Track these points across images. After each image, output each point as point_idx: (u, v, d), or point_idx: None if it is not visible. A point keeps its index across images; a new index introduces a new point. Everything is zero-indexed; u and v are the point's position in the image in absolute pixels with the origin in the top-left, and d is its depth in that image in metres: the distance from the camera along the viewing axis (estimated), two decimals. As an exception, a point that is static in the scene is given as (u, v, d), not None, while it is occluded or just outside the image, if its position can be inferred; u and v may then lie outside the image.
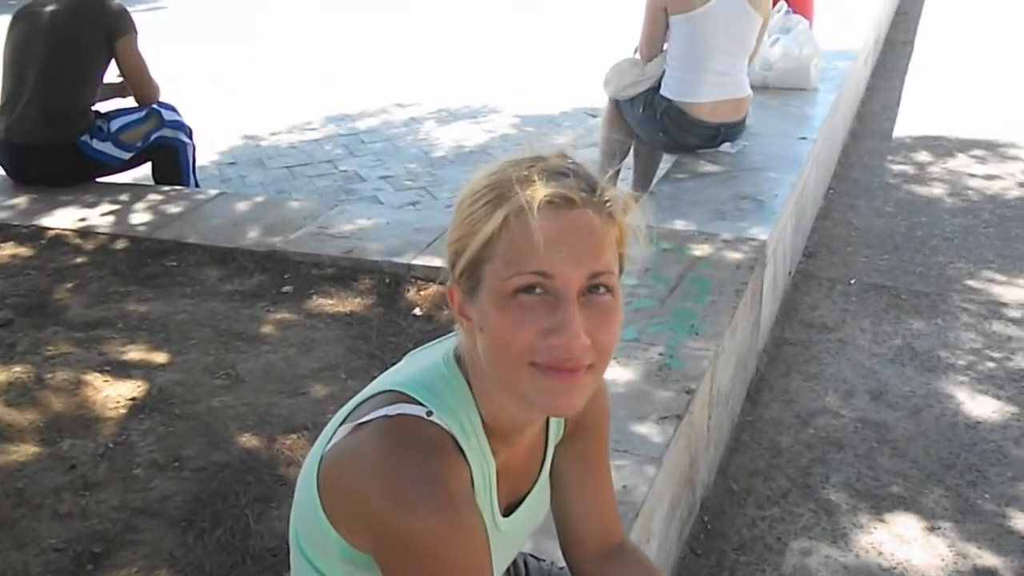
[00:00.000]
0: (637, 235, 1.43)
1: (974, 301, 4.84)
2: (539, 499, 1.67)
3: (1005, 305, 4.79)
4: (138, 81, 5.14)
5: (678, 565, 3.07)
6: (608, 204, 1.35)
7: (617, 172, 1.44)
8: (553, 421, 1.66)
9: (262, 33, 11.54)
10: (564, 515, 1.77)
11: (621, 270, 1.41)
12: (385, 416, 1.41)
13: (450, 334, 1.55)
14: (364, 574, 1.44)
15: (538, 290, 1.32)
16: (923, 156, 7.10)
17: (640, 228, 1.42)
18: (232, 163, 6.91)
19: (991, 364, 4.27)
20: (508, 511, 1.58)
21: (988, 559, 3.15)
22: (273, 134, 7.59)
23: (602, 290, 1.34)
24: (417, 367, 1.52)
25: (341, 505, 1.42)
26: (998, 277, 5.11)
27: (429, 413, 1.41)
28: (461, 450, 1.43)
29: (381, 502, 1.33)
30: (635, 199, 1.42)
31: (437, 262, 3.96)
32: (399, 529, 1.32)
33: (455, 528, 1.34)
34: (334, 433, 1.48)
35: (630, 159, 5.43)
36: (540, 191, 1.31)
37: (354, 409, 1.48)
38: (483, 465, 1.48)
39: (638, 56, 5.25)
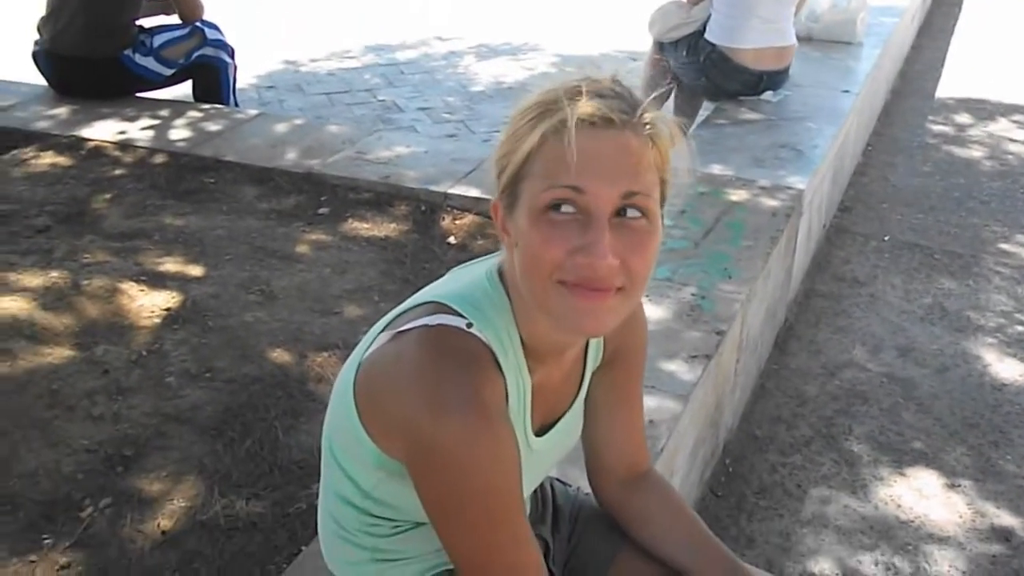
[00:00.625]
0: (679, 163, 1.42)
1: (1007, 265, 4.82)
2: (573, 423, 1.69)
3: (1038, 270, 4.78)
4: (183, -2, 5.15)
5: (698, 505, 3.09)
6: (648, 127, 1.34)
7: (663, 100, 1.43)
8: (592, 347, 1.67)
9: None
10: (593, 441, 1.79)
11: (664, 199, 1.41)
12: (425, 326, 1.42)
13: (496, 252, 1.56)
14: (397, 481, 1.46)
15: (571, 208, 1.32)
16: (964, 118, 7.05)
17: (683, 155, 1.42)
18: (271, 87, 6.90)
19: (1020, 327, 4.26)
20: (541, 432, 1.59)
21: (1006, 519, 3.16)
22: (313, 60, 7.57)
23: (637, 213, 1.34)
24: (461, 281, 1.53)
25: (376, 411, 1.44)
26: (1033, 242, 5.09)
27: (469, 325, 1.42)
28: (498, 364, 1.44)
29: (415, 408, 1.35)
30: (679, 125, 1.41)
31: (473, 192, 3.97)
32: (431, 434, 1.33)
33: (486, 437, 1.35)
34: (373, 340, 1.49)
35: (670, 103, 5.40)
36: (580, 110, 1.30)
37: (395, 318, 1.49)
38: (519, 381, 1.49)
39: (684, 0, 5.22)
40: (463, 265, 1.62)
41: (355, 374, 1.48)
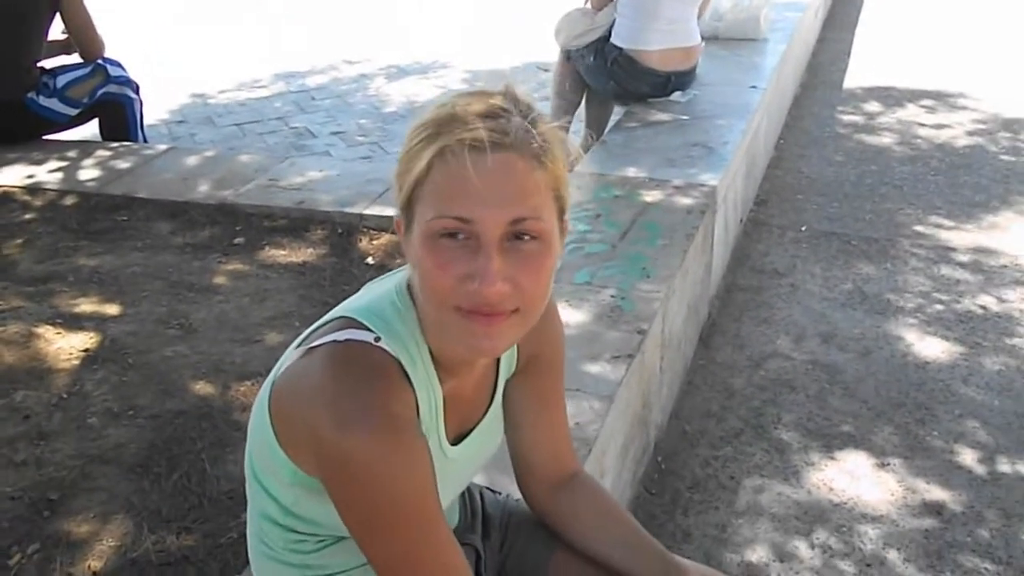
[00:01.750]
0: (568, 164, 1.42)
1: (923, 246, 4.90)
2: (490, 429, 1.69)
3: (953, 250, 4.86)
4: (84, 36, 5.09)
5: (632, 504, 3.10)
6: (535, 147, 1.33)
7: (568, 124, 1.43)
8: (504, 355, 1.67)
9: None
10: (518, 446, 1.79)
11: (562, 212, 1.41)
12: (334, 341, 1.42)
13: (401, 267, 1.56)
14: (314, 497, 1.46)
15: (460, 235, 1.32)
16: (873, 106, 7.16)
17: (573, 155, 1.42)
18: (181, 121, 6.85)
19: (939, 307, 4.32)
20: (457, 441, 1.60)
21: (937, 493, 3.20)
22: (222, 92, 7.53)
23: (527, 237, 1.33)
24: (371, 295, 1.53)
25: (289, 428, 1.43)
26: (946, 223, 5.17)
27: (377, 339, 1.42)
28: (408, 377, 1.44)
29: (325, 424, 1.34)
30: (562, 128, 1.41)
31: (389, 212, 3.96)
32: (342, 450, 1.33)
33: (396, 450, 1.35)
34: (287, 358, 1.49)
35: (581, 110, 5.43)
36: (466, 133, 1.30)
37: (308, 335, 1.49)
38: (430, 392, 1.49)
39: (588, 6, 5.25)
40: (376, 279, 1.62)
41: (269, 393, 1.48)
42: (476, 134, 1.30)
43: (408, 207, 1.37)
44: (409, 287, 1.50)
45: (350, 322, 1.46)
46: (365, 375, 1.39)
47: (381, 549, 1.40)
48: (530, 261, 1.34)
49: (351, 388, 1.37)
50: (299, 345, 1.49)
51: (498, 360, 1.66)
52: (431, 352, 1.48)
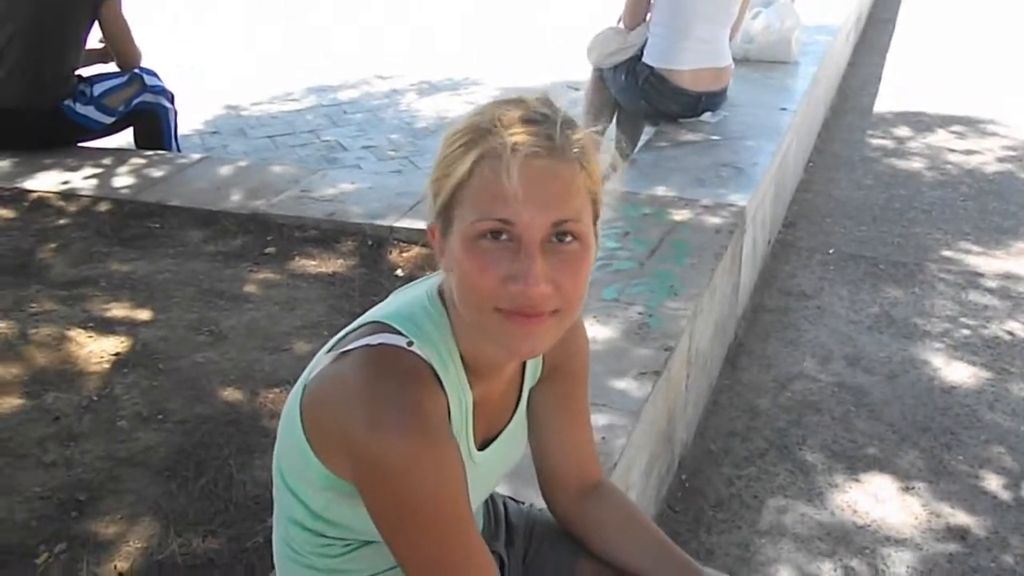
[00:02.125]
0: (607, 173, 1.45)
1: (951, 271, 4.89)
2: (515, 436, 1.70)
3: (981, 275, 4.85)
4: (121, 45, 5.14)
5: (656, 521, 3.06)
6: (576, 151, 1.36)
7: (602, 132, 1.45)
8: (530, 363, 1.68)
9: (240, 4, 11.49)
10: (543, 454, 1.80)
11: (596, 216, 1.44)
12: (367, 345, 1.44)
13: (436, 272, 1.58)
14: (346, 502, 1.47)
15: (503, 236, 1.34)
16: (903, 131, 7.15)
17: (610, 165, 1.45)
18: (214, 132, 6.91)
19: (966, 331, 4.32)
20: (483, 446, 1.61)
21: (961, 518, 3.20)
22: (255, 104, 7.58)
23: (568, 238, 1.36)
24: (402, 301, 1.55)
25: (322, 432, 1.45)
26: (975, 248, 5.16)
27: (410, 343, 1.44)
28: (440, 381, 1.46)
29: (358, 427, 1.36)
30: (600, 134, 1.43)
31: (419, 225, 3.98)
32: (375, 453, 1.35)
33: (430, 453, 1.37)
34: (318, 363, 1.51)
35: (612, 129, 5.45)
36: (510, 138, 1.32)
37: (339, 340, 1.51)
38: (460, 396, 1.51)
39: (621, 25, 5.27)
40: (405, 286, 1.64)
41: (301, 397, 1.50)
42: (519, 138, 1.32)
43: (446, 212, 1.39)
44: (440, 293, 1.52)
45: (382, 327, 1.47)
46: (398, 378, 1.40)
47: (412, 551, 1.42)
48: (570, 263, 1.37)
49: (384, 390, 1.39)
50: (330, 350, 1.51)
51: (523, 368, 1.68)
52: (462, 357, 1.50)
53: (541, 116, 1.37)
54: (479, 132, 1.36)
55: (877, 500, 3.28)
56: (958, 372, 4.00)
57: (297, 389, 1.53)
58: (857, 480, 3.37)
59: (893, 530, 3.14)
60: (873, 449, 3.53)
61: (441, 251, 1.44)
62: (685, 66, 4.94)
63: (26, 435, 2.81)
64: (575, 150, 1.36)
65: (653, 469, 2.99)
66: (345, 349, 1.46)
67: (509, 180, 1.31)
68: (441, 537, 1.41)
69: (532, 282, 1.33)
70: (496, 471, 1.71)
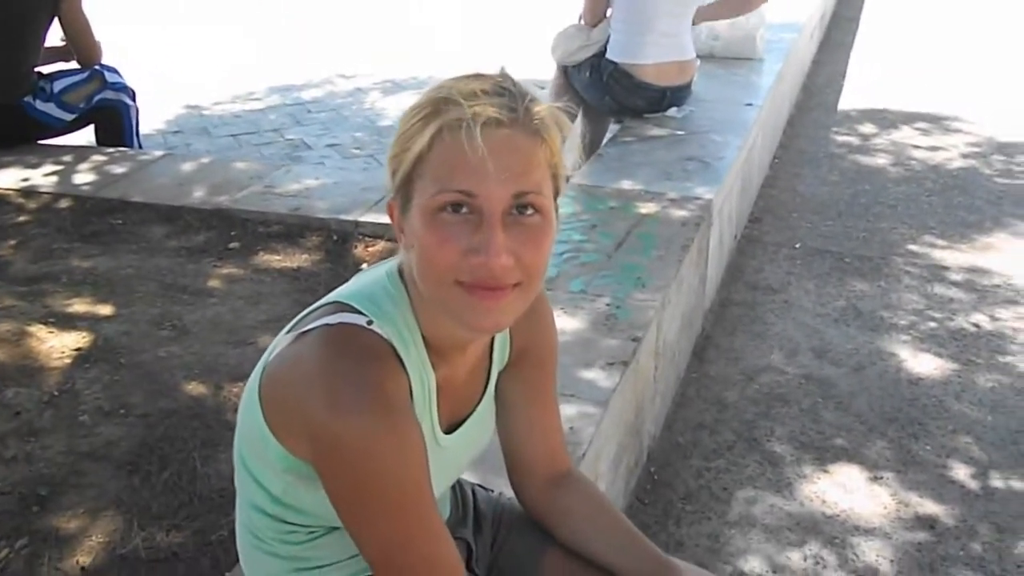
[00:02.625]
0: (568, 148, 1.43)
1: (916, 265, 4.91)
2: (482, 419, 1.68)
3: (946, 268, 4.86)
4: (81, 42, 5.09)
5: (625, 513, 3.05)
6: (536, 123, 1.35)
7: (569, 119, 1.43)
8: (497, 346, 1.67)
9: (203, 4, 11.42)
10: (511, 441, 1.78)
11: (557, 192, 1.42)
12: (326, 325, 1.42)
13: (398, 253, 1.56)
14: (305, 484, 1.45)
15: (463, 209, 1.32)
16: (868, 128, 7.18)
17: (573, 139, 1.43)
18: (177, 131, 6.85)
19: (932, 324, 4.33)
20: (450, 430, 1.59)
21: (929, 507, 3.20)
22: (217, 103, 7.53)
23: (530, 211, 1.35)
24: (362, 282, 1.54)
25: (281, 412, 1.43)
26: (939, 242, 5.18)
27: (369, 322, 1.42)
28: (401, 361, 1.43)
29: (318, 406, 1.34)
30: (563, 112, 1.41)
31: (385, 219, 3.93)
32: (335, 432, 1.33)
33: (389, 430, 1.35)
34: (277, 344, 1.49)
35: (578, 125, 5.43)
36: (469, 110, 1.31)
37: (298, 321, 1.49)
38: (423, 376, 1.49)
39: (583, 22, 5.27)
40: (367, 268, 1.62)
41: (260, 378, 1.47)
42: (480, 109, 1.31)
43: (405, 186, 1.38)
44: (400, 272, 1.50)
45: (342, 306, 1.46)
46: (358, 357, 1.38)
47: (372, 534, 1.39)
48: (532, 235, 1.35)
49: (344, 370, 1.36)
50: (290, 330, 1.49)
51: (491, 351, 1.66)
52: (424, 337, 1.48)
53: (502, 89, 1.36)
54: (438, 104, 1.34)
55: (846, 490, 3.27)
56: (924, 363, 4.01)
57: (257, 370, 1.51)
58: (825, 471, 3.36)
59: (862, 520, 3.14)
60: (841, 440, 3.52)
61: (400, 228, 1.43)
62: (649, 60, 4.93)
63: (-14, 430, 2.77)
64: (535, 122, 1.35)
65: (622, 460, 2.97)
66: (304, 329, 1.43)
67: (471, 151, 1.29)
68: (402, 520, 1.38)
69: (494, 253, 1.31)
70: (463, 456, 1.69)
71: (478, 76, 1.39)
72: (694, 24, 5.15)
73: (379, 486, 1.35)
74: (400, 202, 1.40)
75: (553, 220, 1.39)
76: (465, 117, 1.30)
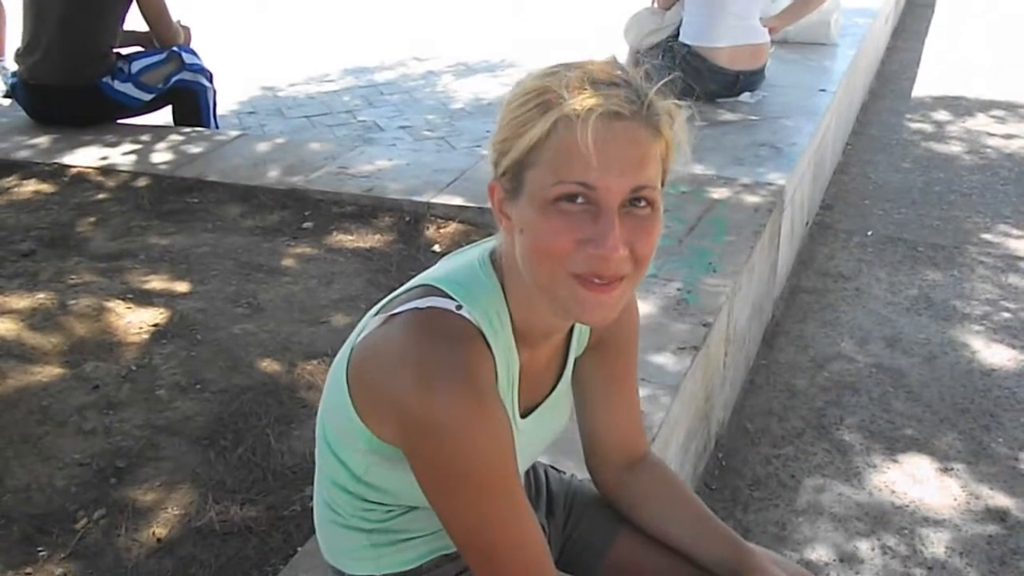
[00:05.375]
0: (680, 148, 1.43)
1: (990, 254, 4.85)
2: (557, 405, 1.69)
3: (1020, 259, 4.81)
4: (158, 22, 5.15)
5: (692, 498, 3.09)
6: (656, 118, 1.34)
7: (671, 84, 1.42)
8: (575, 333, 1.67)
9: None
10: (589, 425, 1.80)
11: (663, 183, 1.42)
12: (416, 308, 1.43)
13: (486, 239, 1.57)
14: (388, 464, 1.47)
15: (580, 199, 1.32)
16: (942, 115, 7.09)
17: (683, 142, 1.42)
18: (252, 112, 6.91)
19: (1006, 314, 4.28)
20: (525, 414, 1.60)
21: (1000, 500, 3.17)
22: (292, 85, 7.58)
23: (643, 203, 1.35)
24: (453, 265, 1.54)
25: (369, 394, 1.44)
26: (1014, 232, 5.12)
27: (459, 307, 1.43)
28: (488, 345, 1.45)
29: (407, 388, 1.36)
30: (680, 109, 1.41)
31: (457, 201, 3.98)
32: (424, 414, 1.34)
33: (478, 412, 1.36)
34: (366, 326, 1.50)
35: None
36: (589, 101, 1.30)
37: (387, 303, 1.51)
38: (508, 361, 1.50)
39: (656, 5, 5.26)
40: (455, 252, 1.63)
41: (348, 359, 1.49)
42: (602, 101, 1.30)
43: (517, 172, 1.37)
44: (492, 257, 1.51)
45: (431, 290, 1.47)
46: (448, 340, 1.39)
47: (459, 515, 1.41)
48: (644, 227, 1.35)
49: (434, 352, 1.38)
50: (378, 312, 1.50)
51: (569, 336, 1.67)
52: (512, 322, 1.49)
53: (620, 79, 1.35)
54: (552, 93, 1.33)
55: (915, 481, 3.26)
56: (997, 354, 3.97)
57: (344, 351, 1.52)
58: (895, 461, 3.35)
59: (931, 511, 3.12)
60: (911, 430, 3.50)
61: (504, 212, 1.43)
62: (722, 43, 4.92)
63: (66, 403, 2.82)
64: (655, 116, 1.34)
65: (691, 445, 2.98)
66: (393, 312, 1.45)
67: (591, 144, 1.29)
68: (489, 500, 1.40)
69: (612, 246, 1.31)
70: (538, 440, 1.70)
71: (589, 63, 1.39)
72: (771, 35, 5.13)
73: (468, 468, 1.37)
74: (508, 186, 1.40)
75: (661, 212, 1.39)
76: (590, 108, 1.30)
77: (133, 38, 5.28)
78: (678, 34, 5.05)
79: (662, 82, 1.38)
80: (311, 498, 1.70)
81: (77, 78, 4.96)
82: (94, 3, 4.97)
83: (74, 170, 4.55)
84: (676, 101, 1.40)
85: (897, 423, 3.54)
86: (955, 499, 3.18)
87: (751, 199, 3.89)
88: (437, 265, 1.60)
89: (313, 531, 1.79)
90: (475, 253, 1.54)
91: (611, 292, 1.36)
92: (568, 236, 1.33)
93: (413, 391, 1.35)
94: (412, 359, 1.38)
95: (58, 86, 4.97)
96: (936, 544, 2.98)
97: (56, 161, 4.64)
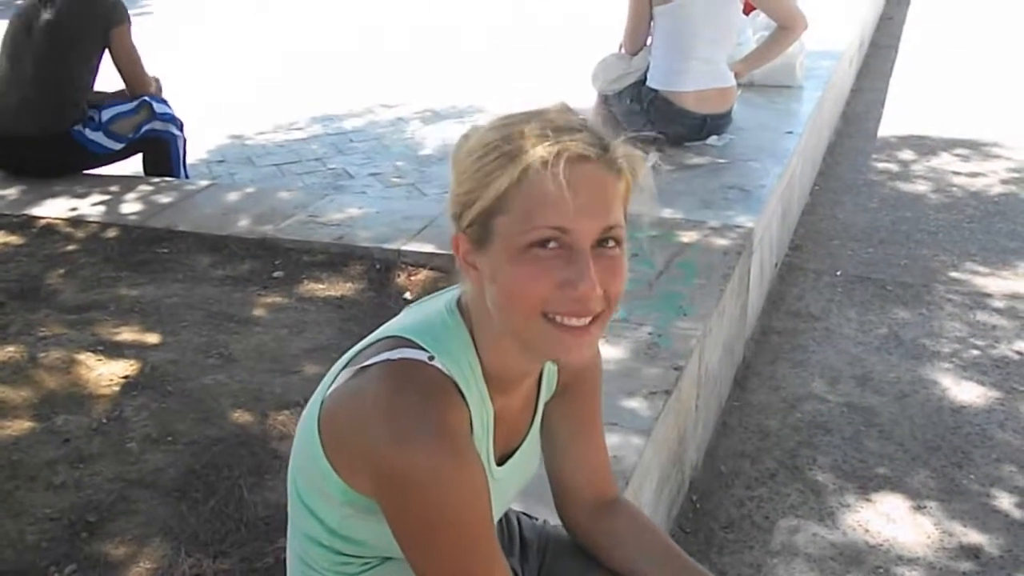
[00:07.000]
0: (644, 190, 1.45)
1: (958, 292, 4.89)
2: (530, 451, 1.71)
3: (988, 295, 4.84)
4: (130, 73, 5.17)
5: (667, 541, 3.09)
6: (616, 159, 1.38)
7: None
8: (545, 377, 1.69)
9: (246, 35, 11.53)
10: (558, 470, 1.80)
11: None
12: (387, 360, 1.44)
13: (450, 287, 1.58)
14: (363, 516, 1.47)
15: (552, 244, 1.35)
16: (907, 155, 7.16)
17: (642, 181, 1.45)
18: (221, 161, 6.90)
19: (975, 351, 4.31)
20: (501, 461, 1.61)
21: (974, 537, 3.18)
22: (260, 133, 7.58)
23: (611, 243, 1.38)
24: (420, 315, 1.55)
25: (342, 447, 1.45)
26: (981, 269, 5.16)
27: (431, 358, 1.44)
28: (462, 394, 1.46)
29: (380, 440, 1.36)
30: (641, 153, 1.44)
31: (428, 248, 3.99)
32: (399, 466, 1.35)
33: (453, 464, 1.37)
34: (336, 377, 1.51)
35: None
36: (555, 147, 1.33)
37: (356, 355, 1.51)
38: (482, 410, 1.51)
39: (623, 51, 5.31)
40: (419, 301, 1.64)
41: (319, 411, 1.49)
42: (568, 146, 1.33)
43: (483, 222, 1.39)
44: (460, 306, 1.52)
45: (402, 341, 1.47)
46: (421, 392, 1.41)
47: (434, 565, 1.41)
48: (614, 267, 1.39)
49: (407, 405, 1.39)
50: (347, 364, 1.51)
51: (539, 382, 1.68)
52: (484, 370, 1.50)
53: (579, 125, 1.39)
54: (515, 142, 1.36)
55: (889, 519, 3.27)
56: (967, 392, 3.99)
57: (314, 404, 1.53)
58: (869, 500, 3.36)
59: (905, 549, 3.13)
60: (884, 469, 3.52)
61: (470, 263, 1.44)
62: (690, 87, 4.96)
63: (36, 457, 2.81)
64: (616, 157, 1.38)
65: (664, 489, 2.98)
66: (364, 364, 1.45)
67: (563, 188, 1.32)
68: (465, 553, 1.41)
69: (590, 285, 1.34)
70: (513, 486, 1.71)
71: (542, 111, 1.42)
72: (737, 80, 5.18)
73: (444, 521, 1.37)
74: (475, 238, 1.42)
75: (626, 251, 1.42)
76: (553, 153, 1.33)
77: (106, 97, 5.28)
78: (645, 79, 5.09)
79: (630, 134, 1.41)
80: (284, 549, 1.69)
81: (49, 127, 4.97)
82: (73, 53, 4.99)
83: (43, 221, 4.54)
84: (633, 141, 1.43)
85: (869, 462, 3.55)
86: (929, 537, 3.19)
87: (720, 242, 3.92)
88: (402, 315, 1.61)
89: (287, 583, 1.79)
90: (441, 302, 1.55)
91: (587, 332, 1.39)
92: (545, 281, 1.35)
93: (388, 445, 1.36)
94: (386, 412, 1.39)
95: (29, 136, 4.97)
96: (910, 583, 2.99)
97: (25, 212, 4.63)
